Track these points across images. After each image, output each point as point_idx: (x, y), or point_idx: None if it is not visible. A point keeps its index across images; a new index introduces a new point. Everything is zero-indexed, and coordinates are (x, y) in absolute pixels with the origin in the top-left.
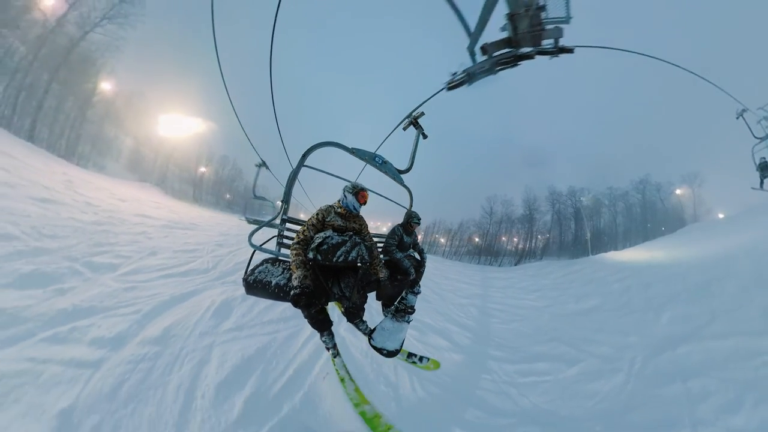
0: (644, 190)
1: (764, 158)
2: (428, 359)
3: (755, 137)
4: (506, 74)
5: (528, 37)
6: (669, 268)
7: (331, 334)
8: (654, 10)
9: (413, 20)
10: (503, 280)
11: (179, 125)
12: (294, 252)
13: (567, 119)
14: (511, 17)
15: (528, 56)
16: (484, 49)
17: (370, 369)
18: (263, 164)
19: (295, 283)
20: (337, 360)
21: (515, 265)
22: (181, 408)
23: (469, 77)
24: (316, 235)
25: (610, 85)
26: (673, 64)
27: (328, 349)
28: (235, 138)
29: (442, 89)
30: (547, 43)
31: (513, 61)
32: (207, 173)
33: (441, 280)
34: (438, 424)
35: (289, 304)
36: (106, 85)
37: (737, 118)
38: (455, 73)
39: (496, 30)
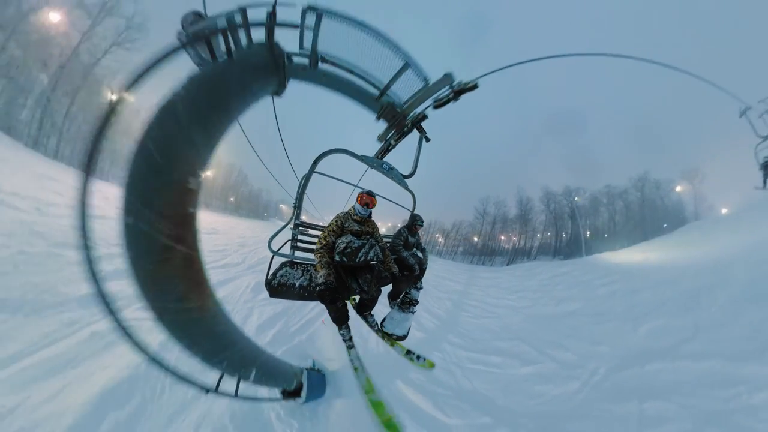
0: (643, 188)
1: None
2: (425, 359)
3: (758, 136)
4: (507, 76)
5: (395, 126)
6: (660, 272)
7: (348, 328)
8: (654, 9)
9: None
10: (489, 279)
11: None
12: (319, 255)
13: (564, 118)
14: (380, 115)
15: (421, 118)
16: (380, 137)
17: (352, 326)
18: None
19: (320, 280)
20: (352, 351)
21: (507, 265)
22: None
23: (378, 162)
24: (339, 240)
25: (609, 83)
26: (647, 60)
27: (345, 341)
28: (238, 144)
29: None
30: (441, 93)
31: (407, 131)
32: (213, 178)
33: (428, 276)
34: (386, 374)
35: None
36: (116, 99)
37: (740, 116)
38: (367, 156)
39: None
